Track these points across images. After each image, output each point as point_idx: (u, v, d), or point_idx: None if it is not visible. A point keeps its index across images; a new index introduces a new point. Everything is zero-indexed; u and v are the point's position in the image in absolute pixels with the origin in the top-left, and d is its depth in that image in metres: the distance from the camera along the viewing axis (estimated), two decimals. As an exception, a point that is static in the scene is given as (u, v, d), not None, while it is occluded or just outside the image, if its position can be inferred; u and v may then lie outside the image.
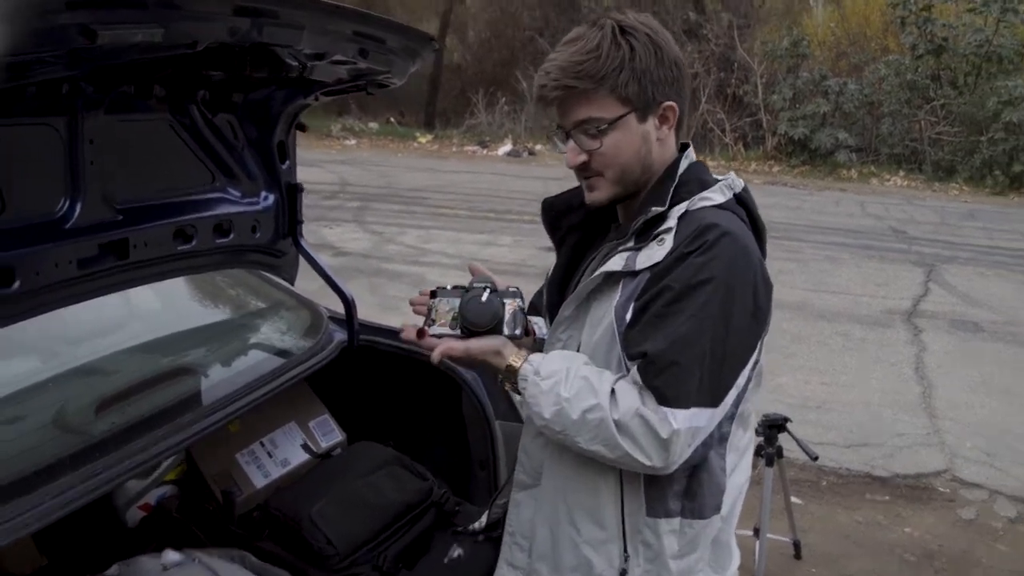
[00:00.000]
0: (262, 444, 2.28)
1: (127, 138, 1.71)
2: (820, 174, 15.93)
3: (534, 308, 1.68)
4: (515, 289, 1.53)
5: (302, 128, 2.26)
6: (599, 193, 1.47)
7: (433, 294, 1.54)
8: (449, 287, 1.54)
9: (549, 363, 1.41)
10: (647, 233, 1.41)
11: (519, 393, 1.44)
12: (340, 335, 2.37)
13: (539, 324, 1.62)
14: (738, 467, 1.50)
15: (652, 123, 1.43)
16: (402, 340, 1.59)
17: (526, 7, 21.23)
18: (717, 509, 1.46)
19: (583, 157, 1.43)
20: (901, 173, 16.09)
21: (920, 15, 16.58)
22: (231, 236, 2.05)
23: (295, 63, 1.59)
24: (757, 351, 1.43)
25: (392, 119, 20.35)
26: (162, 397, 1.95)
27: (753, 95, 17.24)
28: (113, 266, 1.70)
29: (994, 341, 6.62)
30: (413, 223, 10.23)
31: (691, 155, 1.49)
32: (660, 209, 1.41)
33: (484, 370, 1.53)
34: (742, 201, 1.46)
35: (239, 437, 2.25)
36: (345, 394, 2.48)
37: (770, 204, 11.51)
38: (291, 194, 2.23)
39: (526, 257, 8.46)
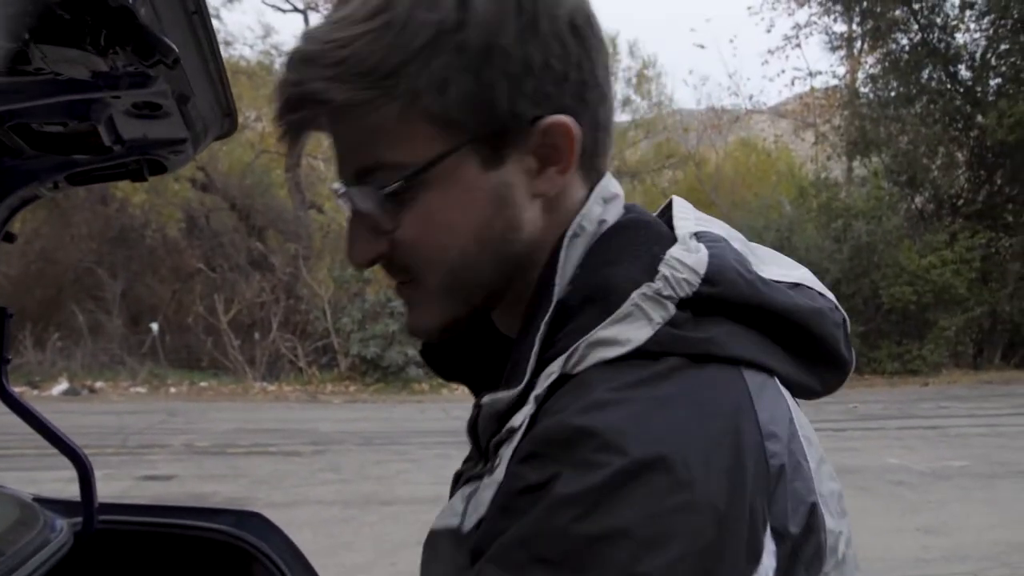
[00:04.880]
0: None
1: None
2: (395, 389, 16.54)
3: None
4: None
5: (9, 239, 1.70)
6: (422, 315, 0.75)
7: None
8: None
9: None
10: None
11: None
12: (62, 521, 1.71)
13: None
14: None
15: (516, 166, 0.70)
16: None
17: (75, 240, 19.60)
18: None
19: (378, 247, 0.72)
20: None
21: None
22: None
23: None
24: None
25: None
26: None
27: (323, 320, 17.59)
28: None
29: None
30: (-38, 471, 8.25)
31: (610, 195, 0.74)
32: (514, 391, 0.66)
33: None
34: (731, 302, 0.65)
35: None
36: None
37: (360, 418, 12.17)
38: (-5, 323, 1.62)
39: (127, 488, 7.35)
